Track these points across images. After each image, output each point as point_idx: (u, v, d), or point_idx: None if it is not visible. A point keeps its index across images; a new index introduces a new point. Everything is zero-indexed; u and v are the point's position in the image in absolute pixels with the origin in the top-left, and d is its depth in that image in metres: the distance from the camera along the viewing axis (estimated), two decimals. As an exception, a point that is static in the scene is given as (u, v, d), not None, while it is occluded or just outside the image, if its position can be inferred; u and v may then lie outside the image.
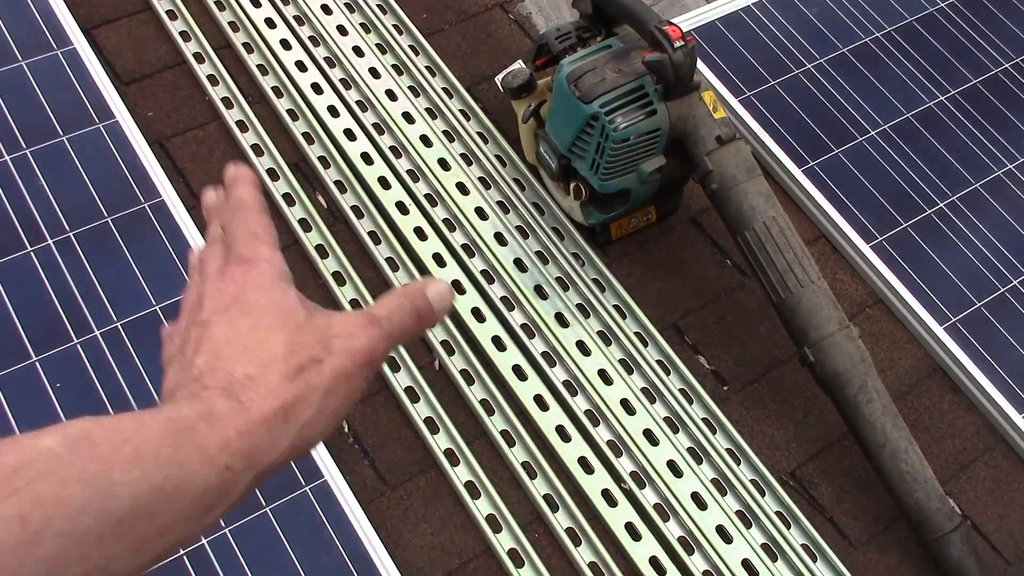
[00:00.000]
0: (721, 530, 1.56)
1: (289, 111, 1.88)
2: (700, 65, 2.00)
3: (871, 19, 2.16)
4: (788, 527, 1.59)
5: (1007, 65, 2.15)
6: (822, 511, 1.62)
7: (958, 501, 1.66)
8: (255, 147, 1.83)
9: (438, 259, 1.76)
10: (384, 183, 1.82)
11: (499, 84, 1.83)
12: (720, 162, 1.61)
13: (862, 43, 2.12)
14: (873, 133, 1.99)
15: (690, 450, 1.64)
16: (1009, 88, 2.11)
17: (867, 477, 1.63)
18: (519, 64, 1.84)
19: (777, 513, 1.60)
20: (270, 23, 1.98)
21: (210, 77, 1.90)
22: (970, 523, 1.64)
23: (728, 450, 1.65)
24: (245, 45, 1.95)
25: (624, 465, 1.60)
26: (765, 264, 1.60)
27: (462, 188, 1.84)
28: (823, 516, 1.62)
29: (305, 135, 1.86)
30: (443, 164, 1.86)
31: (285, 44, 1.96)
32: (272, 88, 1.90)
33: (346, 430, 1.59)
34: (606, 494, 1.57)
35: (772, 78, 2.04)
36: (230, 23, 1.97)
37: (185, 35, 1.95)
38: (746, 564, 1.54)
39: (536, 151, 1.79)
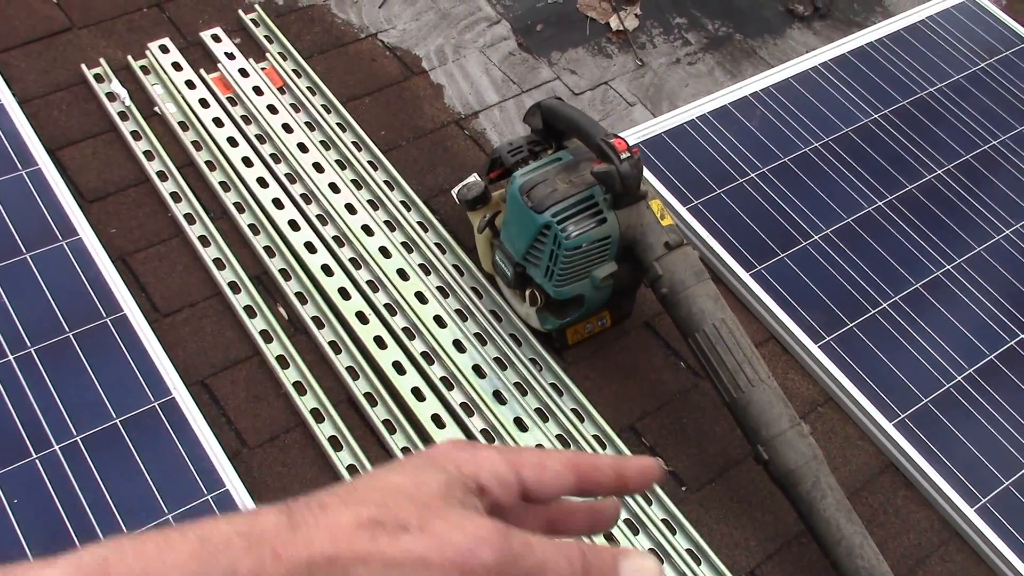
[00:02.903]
0: (684, 632, 1.57)
1: (251, 225, 1.93)
2: (648, 175, 2.09)
3: (809, 130, 2.27)
4: (750, 627, 1.59)
5: (940, 171, 2.25)
6: (783, 610, 1.63)
7: (916, 596, 1.68)
8: (217, 261, 1.87)
9: (398, 367, 1.78)
10: (344, 294, 1.86)
11: (455, 196, 1.90)
12: (669, 267, 1.67)
13: (801, 152, 2.23)
14: (816, 237, 2.08)
15: (651, 551, 1.65)
16: (942, 193, 2.21)
17: (826, 574, 1.64)
18: (474, 177, 1.91)
19: (739, 613, 1.61)
20: (232, 142, 2.04)
21: (173, 194, 1.95)
22: (929, 618, 1.66)
23: (688, 550, 1.66)
24: (208, 163, 2.01)
25: (586, 568, 1.61)
26: (716, 364, 1.64)
27: (421, 297, 1.88)
28: (784, 615, 1.63)
29: (266, 248, 1.90)
30: (402, 274, 1.91)
31: (247, 161, 2.02)
32: (234, 204, 1.95)
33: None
34: (568, 598, 1.57)
35: (717, 187, 2.12)
36: (193, 142, 2.03)
37: (149, 154, 2.00)
38: (710, 666, 1.54)
39: (492, 260, 1.84)
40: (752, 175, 2.16)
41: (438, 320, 1.86)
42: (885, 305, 1.99)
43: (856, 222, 2.12)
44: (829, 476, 1.59)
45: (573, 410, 1.79)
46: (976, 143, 2.33)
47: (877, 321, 1.97)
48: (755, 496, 1.74)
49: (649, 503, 1.70)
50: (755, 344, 1.91)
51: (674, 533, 1.67)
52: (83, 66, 2.10)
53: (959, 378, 1.91)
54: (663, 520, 1.68)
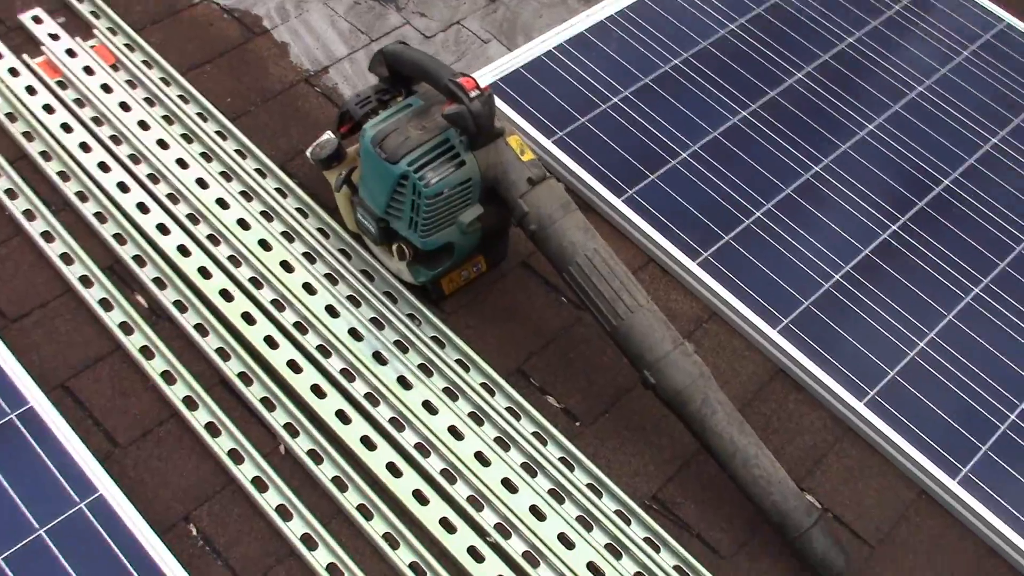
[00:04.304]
0: (592, 566, 1.55)
1: (96, 214, 1.82)
2: (510, 112, 2.04)
3: (668, 48, 2.24)
4: (658, 551, 1.58)
5: (800, 75, 2.25)
6: (688, 529, 1.62)
7: (816, 495, 1.69)
8: (64, 256, 1.76)
9: (270, 342, 1.71)
10: (205, 273, 1.77)
11: (309, 157, 1.81)
12: (534, 202, 1.63)
13: (662, 72, 2.19)
14: (685, 155, 2.05)
15: (551, 491, 1.62)
16: (805, 96, 2.21)
17: (727, 488, 1.64)
18: (328, 135, 1.83)
19: (646, 539, 1.59)
20: (67, 128, 1.92)
21: (8, 191, 1.83)
22: (831, 515, 1.67)
23: (589, 485, 1.64)
24: (43, 154, 1.88)
25: (487, 518, 1.58)
26: (593, 295, 1.61)
27: (287, 266, 1.80)
28: (690, 534, 1.62)
29: (116, 236, 1.80)
30: (264, 245, 1.82)
31: (85, 147, 1.90)
32: (76, 193, 1.84)
33: (195, 534, 1.52)
34: (472, 551, 1.54)
35: (581, 116, 2.08)
36: (24, 133, 1.90)
37: (-24, 152, 1.87)
38: (621, 596, 1.53)
39: (355, 218, 1.77)
40: (615, 99, 2.12)
41: (307, 287, 1.78)
42: (759, 214, 1.99)
43: (723, 135, 2.10)
44: (717, 391, 1.58)
45: (458, 360, 1.74)
46: (832, 43, 2.33)
47: (752, 231, 1.96)
48: (649, 421, 1.72)
49: (545, 443, 1.67)
50: (634, 269, 1.89)
51: (572, 470, 1.65)
52: None
53: (837, 277, 1.92)
54: (560, 458, 1.66)
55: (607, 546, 1.58)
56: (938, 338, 1.86)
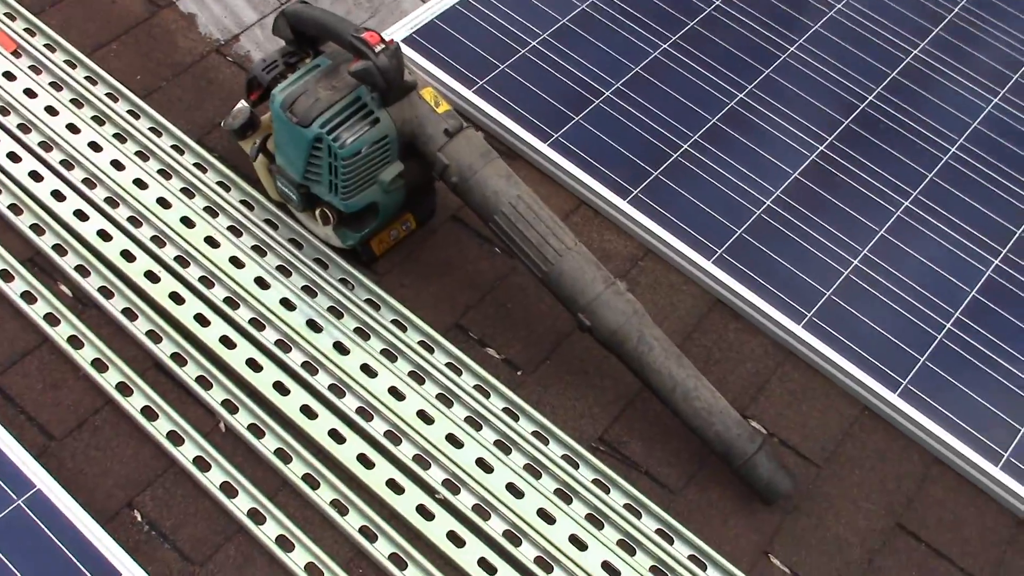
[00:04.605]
0: (543, 513, 1.55)
1: (11, 206, 1.77)
2: (428, 65, 2.00)
3: (584, -14, 2.21)
4: (607, 492, 1.59)
5: (719, 2, 2.23)
6: (636, 467, 1.63)
7: (761, 421, 1.70)
8: (-20, 252, 1.71)
9: (201, 319, 1.68)
10: (128, 256, 1.74)
11: (224, 128, 1.77)
12: (454, 154, 1.61)
13: (579, 10, 2.16)
14: (608, 93, 2.03)
15: (497, 443, 1.62)
16: (724, 23, 2.19)
17: (672, 423, 1.65)
18: (241, 103, 1.78)
19: (595, 481, 1.60)
20: (-29, 120, 1.86)
21: (-84, 191, 1.77)
22: (776, 439, 1.68)
23: (534, 432, 1.64)
24: (-52, 149, 1.83)
25: (435, 475, 1.57)
26: (520, 243, 1.60)
27: (212, 242, 1.77)
28: (638, 471, 1.63)
29: (33, 227, 1.75)
30: (187, 222, 1.79)
31: (-8, 138, 1.84)
32: (-13, 187, 1.79)
33: (139, 519, 1.50)
34: (422, 510, 1.54)
35: (500, 63, 2.05)
36: (-73, 130, 1.84)
37: None
38: (574, 539, 1.53)
39: (276, 186, 1.74)
40: (533, 43, 2.09)
41: (235, 261, 1.75)
42: (686, 146, 1.98)
43: (644, 70, 2.08)
44: (653, 328, 1.58)
45: (394, 321, 1.73)
46: (749, -33, 2.31)
47: (681, 164, 1.95)
48: (591, 364, 1.72)
49: (488, 396, 1.66)
50: (565, 213, 1.88)
51: (517, 419, 1.65)
52: None
53: (768, 202, 1.92)
54: (504, 409, 1.65)
55: (556, 491, 1.58)
56: (871, 254, 1.87)
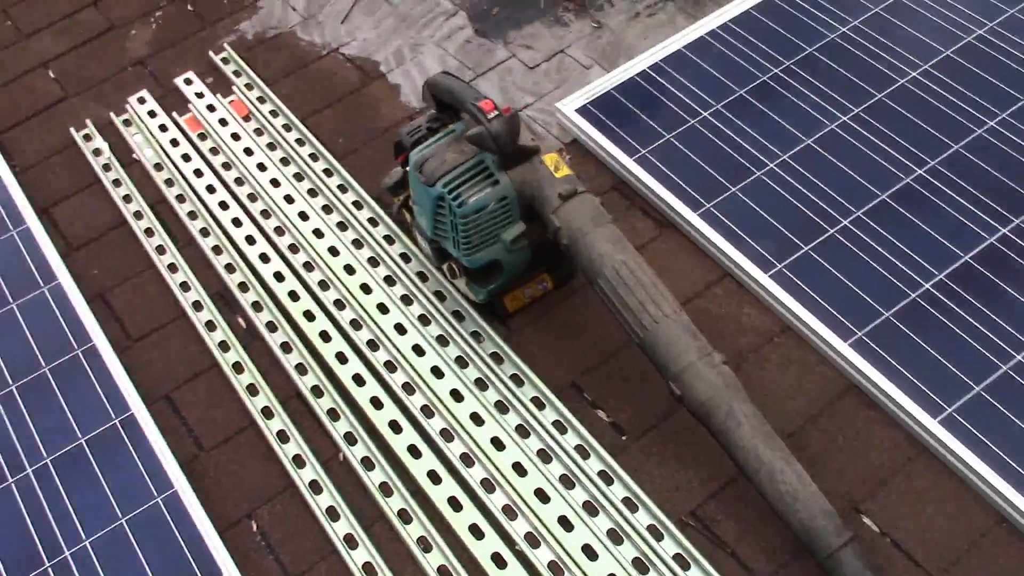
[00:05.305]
0: (615, 580, 1.54)
1: (214, 247, 2.05)
2: (594, 132, 2.08)
3: (769, 57, 2.17)
4: (687, 568, 1.54)
5: (915, 73, 2.10)
6: (723, 547, 1.57)
7: (875, 519, 1.57)
8: (183, 284, 2.00)
9: (340, 357, 1.85)
10: (294, 296, 1.95)
11: (380, 187, 1.95)
12: (565, 217, 1.66)
13: (760, 82, 2.14)
14: (772, 165, 1.99)
15: (586, 504, 1.63)
16: (918, 96, 2.06)
17: (768, 507, 1.57)
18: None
19: (676, 556, 1.56)
20: (198, 173, 2.18)
21: (147, 230, 2.10)
22: (888, 540, 1.55)
23: (625, 499, 1.63)
24: (178, 197, 2.15)
25: (518, 528, 1.61)
26: (620, 307, 1.61)
27: (366, 288, 1.94)
28: (725, 552, 1.56)
29: (227, 266, 2.02)
30: (349, 269, 1.97)
31: (211, 189, 2.15)
32: (200, 230, 2.08)
33: (255, 530, 1.67)
34: (497, 558, 1.58)
35: (667, 132, 2.07)
36: (166, 180, 2.18)
37: (127, 198, 2.17)
38: (641, 611, 1.50)
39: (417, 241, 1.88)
40: (705, 114, 2.10)
41: (381, 308, 1.91)
42: (846, 222, 1.88)
43: (817, 143, 2.01)
44: (745, 403, 1.53)
45: (512, 376, 1.79)
46: (958, 36, 2.16)
47: (836, 240, 1.86)
48: (698, 436, 1.68)
49: (586, 457, 1.68)
50: (709, 283, 1.86)
51: (610, 484, 1.64)
52: (72, 129, 2.31)
53: (927, 286, 1.77)
54: (600, 472, 1.66)
55: (634, 560, 1.56)
56: (1042, 350, 1.67)
